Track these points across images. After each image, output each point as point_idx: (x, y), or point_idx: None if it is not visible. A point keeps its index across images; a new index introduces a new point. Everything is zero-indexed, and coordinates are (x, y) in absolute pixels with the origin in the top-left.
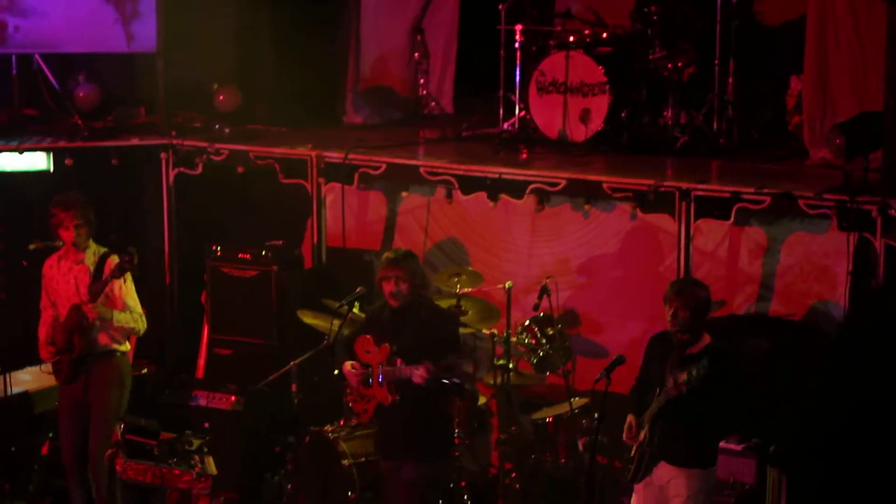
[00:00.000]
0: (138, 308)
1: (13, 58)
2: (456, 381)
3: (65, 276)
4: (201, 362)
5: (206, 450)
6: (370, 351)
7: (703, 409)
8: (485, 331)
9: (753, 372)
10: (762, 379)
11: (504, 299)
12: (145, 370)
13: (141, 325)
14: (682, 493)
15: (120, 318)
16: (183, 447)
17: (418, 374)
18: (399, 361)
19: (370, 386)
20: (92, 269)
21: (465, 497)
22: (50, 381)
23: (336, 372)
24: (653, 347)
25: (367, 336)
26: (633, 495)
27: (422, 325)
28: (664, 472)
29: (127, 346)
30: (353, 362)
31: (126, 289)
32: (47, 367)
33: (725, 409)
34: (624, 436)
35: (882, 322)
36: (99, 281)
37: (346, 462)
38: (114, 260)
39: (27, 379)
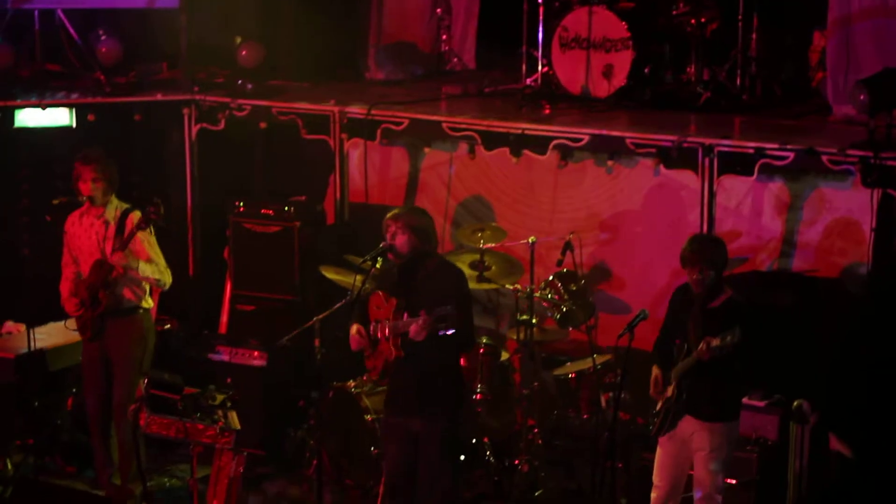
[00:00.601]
0: (162, 262)
1: (35, 13)
2: (449, 332)
3: (87, 232)
4: (224, 318)
5: (229, 405)
6: (381, 307)
7: (730, 366)
8: (508, 286)
9: (776, 328)
10: (785, 335)
11: (527, 255)
12: (168, 326)
13: (167, 277)
14: (705, 446)
15: (146, 269)
16: (206, 402)
17: (412, 326)
18: (405, 316)
19: (379, 342)
20: (114, 224)
21: (487, 453)
22: (66, 338)
23: (337, 333)
24: (676, 300)
25: (380, 292)
26: (658, 449)
27: (426, 279)
28: (688, 425)
29: (150, 303)
30: (360, 326)
31: (150, 243)
32: (72, 323)
33: (749, 364)
34: (651, 390)
35: None
36: (123, 234)
37: (368, 417)
38: (136, 215)
39: (50, 334)
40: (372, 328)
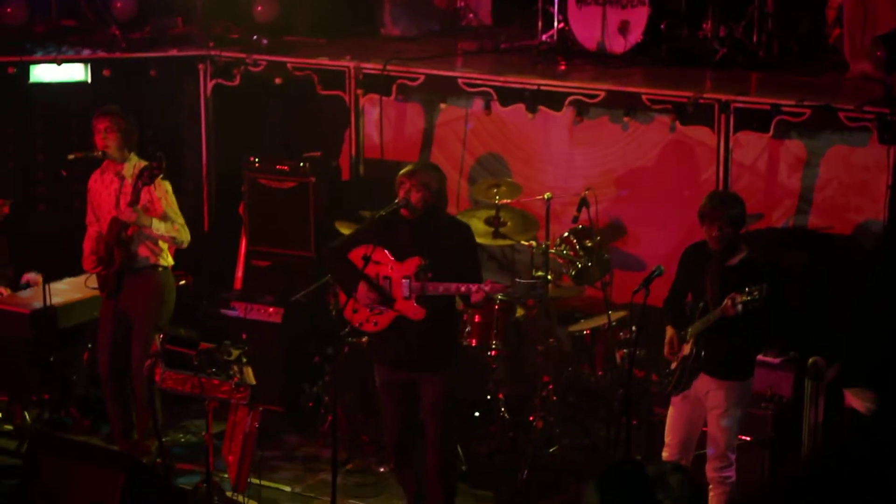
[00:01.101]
0: (180, 219)
1: None
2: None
3: (106, 189)
4: (239, 274)
5: (244, 360)
6: (382, 262)
7: (749, 324)
8: (523, 242)
9: (792, 285)
10: (800, 292)
11: (543, 211)
12: (183, 282)
13: (184, 235)
14: (720, 404)
15: (159, 226)
16: (222, 357)
17: (480, 291)
18: (430, 280)
19: (390, 300)
20: (130, 181)
21: (502, 409)
22: (79, 295)
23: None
24: (688, 259)
25: (382, 249)
26: (671, 408)
27: (440, 236)
28: (702, 384)
29: (170, 261)
30: (367, 283)
31: (167, 200)
32: (91, 280)
33: (765, 321)
34: (665, 351)
35: None
36: (141, 191)
37: None
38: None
39: (65, 289)
40: (382, 284)
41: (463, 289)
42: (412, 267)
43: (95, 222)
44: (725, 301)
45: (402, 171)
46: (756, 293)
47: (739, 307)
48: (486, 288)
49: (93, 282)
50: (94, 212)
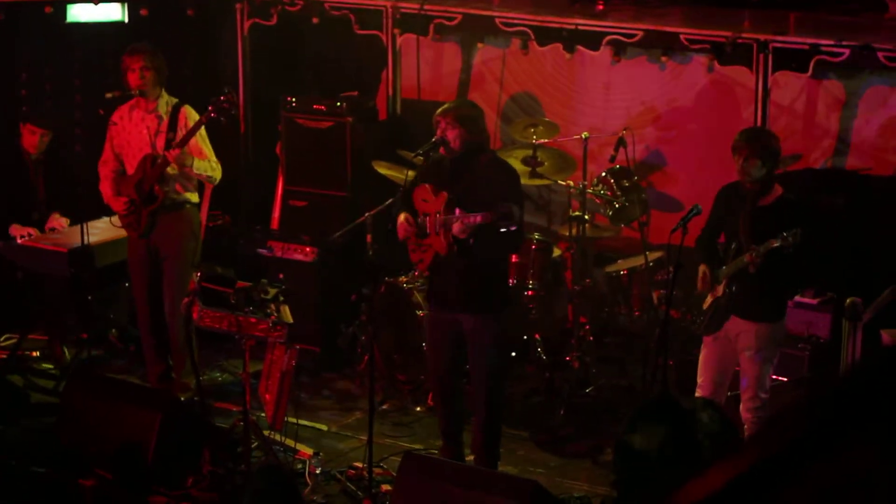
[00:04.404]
0: (213, 157)
1: None
2: (513, 228)
3: (136, 127)
4: (276, 213)
5: (281, 299)
6: (428, 200)
7: (781, 266)
8: (560, 182)
9: (829, 226)
10: (838, 232)
11: (580, 151)
12: (220, 221)
13: (217, 173)
14: (753, 345)
15: (199, 165)
16: (259, 296)
17: (476, 219)
18: (458, 210)
19: (427, 236)
20: (167, 119)
21: (539, 350)
22: (112, 235)
23: (389, 227)
24: (722, 198)
25: (426, 185)
26: (703, 348)
27: (480, 173)
28: (734, 325)
29: (196, 198)
30: (408, 215)
31: (202, 137)
32: (118, 220)
33: (799, 264)
34: (699, 285)
35: None
36: (175, 129)
37: (420, 313)
38: (188, 109)
39: (103, 227)
40: (421, 220)
41: (479, 218)
42: (441, 202)
43: (113, 160)
44: (759, 248)
45: (438, 111)
46: (790, 238)
47: (759, 260)
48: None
49: (118, 221)
50: (112, 150)
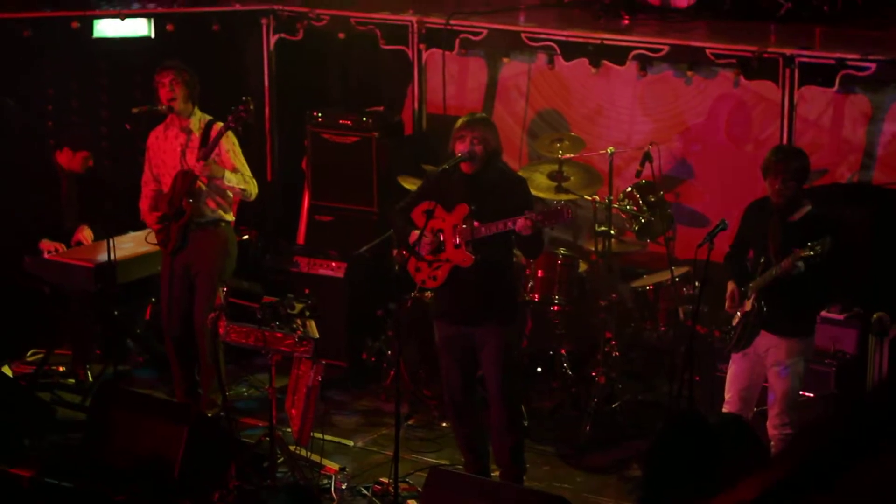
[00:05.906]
0: (248, 171)
1: None
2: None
3: (171, 145)
4: (302, 228)
5: (308, 314)
6: (438, 215)
7: (810, 280)
8: (586, 197)
9: (856, 241)
10: (865, 247)
11: (606, 166)
12: (246, 236)
13: (252, 188)
14: (782, 361)
15: (231, 178)
16: (285, 311)
17: (519, 223)
18: (476, 223)
19: (442, 251)
20: (198, 134)
21: (564, 365)
22: (137, 251)
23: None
24: (750, 214)
25: (431, 202)
26: (731, 364)
27: (494, 187)
28: (763, 341)
29: (231, 217)
30: (425, 230)
31: (234, 152)
32: (152, 236)
33: (828, 277)
34: (727, 305)
35: None
36: (207, 144)
37: None
38: (220, 126)
39: (129, 244)
40: (440, 236)
41: (509, 224)
42: (460, 215)
43: (152, 181)
44: (787, 258)
45: (459, 124)
46: (818, 247)
47: (800, 264)
48: (531, 216)
49: (153, 238)
50: (151, 170)
